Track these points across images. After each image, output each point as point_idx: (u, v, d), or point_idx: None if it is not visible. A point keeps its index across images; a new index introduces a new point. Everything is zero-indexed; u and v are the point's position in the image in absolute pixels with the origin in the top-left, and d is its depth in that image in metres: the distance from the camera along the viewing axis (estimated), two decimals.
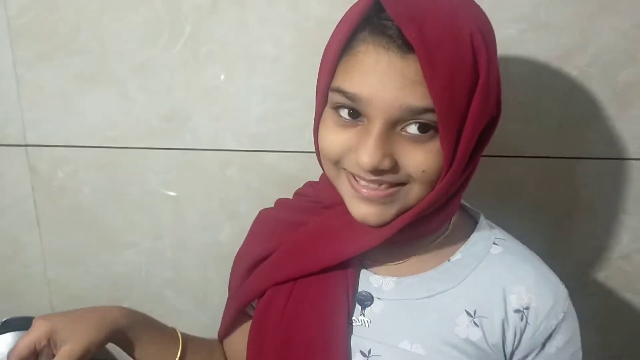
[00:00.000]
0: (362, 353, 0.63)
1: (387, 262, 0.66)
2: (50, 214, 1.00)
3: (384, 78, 0.52)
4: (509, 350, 0.62)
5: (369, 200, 0.58)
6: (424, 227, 0.62)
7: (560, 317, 0.61)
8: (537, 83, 0.84)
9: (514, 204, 0.90)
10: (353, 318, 0.64)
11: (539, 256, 0.66)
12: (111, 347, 0.66)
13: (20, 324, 0.95)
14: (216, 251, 0.98)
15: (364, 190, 0.57)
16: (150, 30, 0.87)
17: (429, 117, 0.53)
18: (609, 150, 0.87)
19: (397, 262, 0.66)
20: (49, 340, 0.61)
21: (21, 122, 0.94)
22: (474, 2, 0.58)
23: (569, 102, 0.85)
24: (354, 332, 0.64)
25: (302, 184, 0.76)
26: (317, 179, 0.74)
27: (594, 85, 0.84)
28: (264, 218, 0.76)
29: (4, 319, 0.98)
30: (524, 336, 0.61)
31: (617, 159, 0.87)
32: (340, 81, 0.56)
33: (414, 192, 0.58)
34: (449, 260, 0.65)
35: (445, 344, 0.61)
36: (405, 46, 0.52)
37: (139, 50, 0.88)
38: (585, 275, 0.94)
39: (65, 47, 0.89)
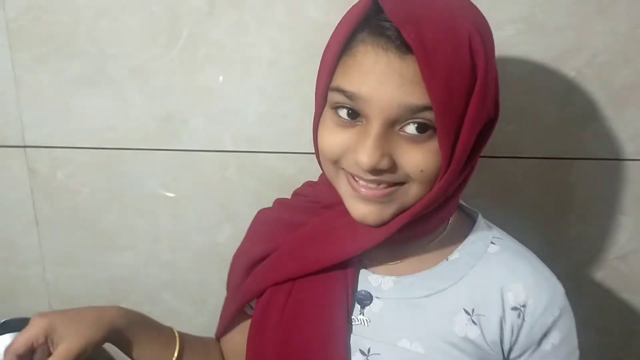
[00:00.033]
0: (362, 352, 0.63)
1: (386, 262, 0.66)
2: (48, 216, 1.00)
3: (382, 78, 0.53)
4: (507, 347, 0.63)
5: (367, 199, 0.58)
6: (422, 226, 0.62)
7: (557, 314, 0.62)
8: (534, 84, 0.84)
9: (511, 205, 0.90)
10: (352, 317, 0.65)
11: (536, 256, 0.67)
12: (108, 346, 0.66)
13: (18, 325, 0.95)
14: (214, 252, 0.98)
15: (363, 189, 0.58)
16: (148, 33, 0.87)
17: (427, 116, 0.54)
18: (605, 151, 0.87)
19: (396, 262, 0.66)
20: (46, 338, 0.60)
21: (20, 124, 0.94)
22: (472, 4, 0.59)
23: (565, 103, 0.85)
24: (353, 331, 0.64)
25: (301, 185, 0.76)
26: (315, 180, 0.74)
27: (590, 86, 0.84)
28: (262, 218, 0.77)
29: (3, 320, 0.98)
30: (521, 333, 0.62)
31: (614, 159, 0.87)
32: (339, 80, 0.56)
33: (412, 192, 0.58)
34: (447, 259, 0.65)
35: (444, 342, 0.61)
36: (404, 47, 0.52)
37: (137, 52, 0.88)
38: (582, 276, 0.94)
39: (64, 49, 0.89)
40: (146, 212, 0.98)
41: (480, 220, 0.68)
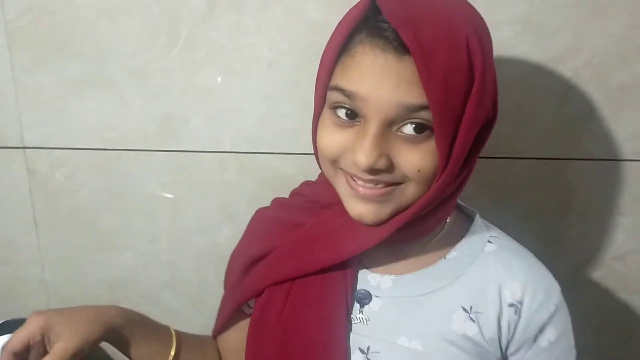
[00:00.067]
0: (361, 350, 0.63)
1: (384, 261, 0.67)
2: (48, 216, 1.00)
3: (380, 78, 0.53)
4: (504, 344, 0.63)
5: (365, 199, 0.59)
6: (420, 226, 0.63)
7: (552, 310, 0.62)
8: (531, 85, 0.84)
9: (509, 206, 0.90)
10: (352, 316, 0.65)
11: (533, 255, 0.67)
12: (105, 345, 0.66)
13: (17, 326, 0.93)
14: (213, 253, 0.98)
15: (361, 189, 0.58)
16: (147, 34, 0.88)
17: (425, 116, 0.54)
18: (603, 152, 0.87)
19: (395, 261, 0.66)
20: (42, 336, 0.60)
21: (19, 125, 0.94)
22: (471, 5, 0.59)
23: (563, 103, 0.85)
24: (352, 330, 0.65)
25: (299, 185, 0.77)
26: (314, 180, 0.74)
27: (587, 87, 0.84)
28: (260, 217, 0.77)
29: (2, 321, 0.99)
30: (517, 329, 0.63)
31: (612, 160, 0.88)
32: (338, 79, 0.57)
33: (409, 192, 0.58)
34: (445, 258, 0.66)
35: (443, 340, 0.62)
36: (402, 48, 0.52)
37: (137, 53, 0.89)
38: (580, 276, 0.94)
39: (63, 50, 0.90)
40: (146, 213, 0.98)
41: (478, 220, 0.69)
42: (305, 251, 0.67)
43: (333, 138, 0.58)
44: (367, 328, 0.64)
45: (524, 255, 0.67)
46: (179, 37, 0.87)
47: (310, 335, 0.64)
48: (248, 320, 0.72)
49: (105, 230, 1.00)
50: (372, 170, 0.56)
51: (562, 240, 0.93)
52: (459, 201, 0.70)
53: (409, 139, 0.56)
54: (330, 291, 0.65)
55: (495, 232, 0.68)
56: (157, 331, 0.71)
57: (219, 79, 0.89)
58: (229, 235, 0.97)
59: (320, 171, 0.70)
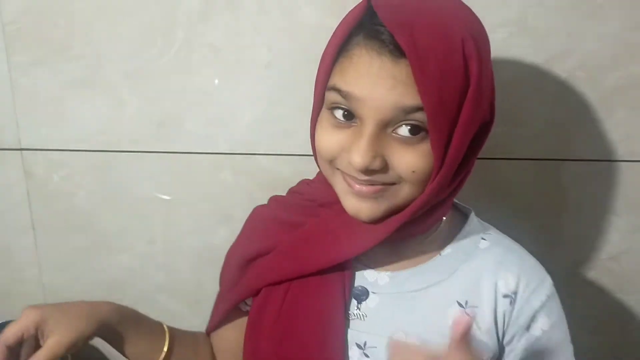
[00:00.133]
0: (358, 345, 0.64)
1: (381, 258, 0.67)
2: (45, 218, 1.00)
3: (376, 79, 0.54)
4: (500, 335, 0.64)
5: (361, 195, 0.59)
6: (418, 226, 0.64)
7: (544, 299, 0.64)
8: (525, 86, 0.85)
9: (503, 206, 0.91)
10: (349, 312, 0.66)
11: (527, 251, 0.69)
12: (100, 344, 0.66)
13: None
14: (210, 255, 0.98)
15: (357, 185, 0.59)
16: (143, 36, 0.88)
17: (420, 118, 0.55)
18: (597, 153, 0.88)
19: (391, 257, 0.67)
20: (36, 330, 0.61)
21: (16, 127, 0.94)
22: (468, 8, 0.60)
23: (557, 105, 0.86)
24: (350, 326, 0.65)
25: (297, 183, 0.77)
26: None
27: (581, 88, 0.85)
28: (258, 215, 0.77)
29: None
30: (511, 318, 0.64)
31: (605, 160, 0.88)
32: (335, 80, 0.58)
33: (404, 192, 0.59)
34: (440, 254, 0.67)
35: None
36: (397, 51, 0.53)
37: (133, 55, 0.89)
38: (574, 277, 0.95)
39: (60, 52, 0.90)
40: (142, 215, 0.98)
41: (473, 217, 0.70)
42: (304, 252, 0.67)
43: (330, 138, 0.59)
44: (364, 324, 0.65)
45: (516, 250, 0.68)
46: (175, 39, 0.87)
47: (308, 332, 0.65)
48: (242, 318, 0.73)
49: (102, 232, 1.00)
50: (367, 171, 0.57)
51: (557, 240, 0.93)
52: (454, 199, 0.71)
53: (404, 141, 0.56)
54: (328, 290, 0.66)
55: (490, 230, 0.70)
56: (150, 327, 0.72)
57: (215, 81, 0.89)
58: (224, 236, 0.97)
59: (317, 171, 0.70)
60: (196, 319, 1.03)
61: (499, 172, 0.90)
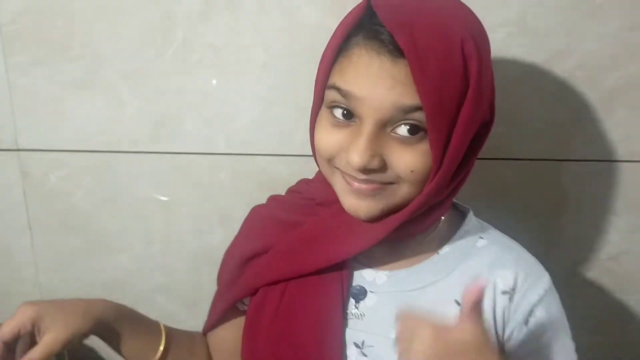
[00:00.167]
0: (356, 344, 0.65)
1: (379, 257, 0.67)
2: (42, 219, 1.00)
3: (375, 79, 0.54)
4: (500, 332, 0.64)
5: (359, 193, 0.59)
6: (417, 226, 0.64)
7: (541, 292, 0.64)
8: (525, 86, 0.85)
9: (503, 207, 0.90)
10: (347, 311, 0.66)
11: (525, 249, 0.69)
12: (97, 345, 0.66)
13: None
14: (208, 255, 0.98)
15: (356, 183, 0.59)
16: (142, 36, 0.88)
17: (419, 117, 0.55)
18: (596, 153, 0.88)
19: (389, 257, 0.67)
20: (33, 326, 0.61)
21: (13, 127, 0.94)
22: (468, 8, 0.60)
23: (556, 105, 0.86)
24: (348, 325, 0.65)
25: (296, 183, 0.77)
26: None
27: (581, 88, 0.85)
28: (256, 214, 0.77)
29: None
30: (510, 313, 0.63)
31: (605, 161, 0.88)
32: (335, 79, 0.58)
33: (401, 191, 0.59)
34: (437, 253, 0.67)
35: None
36: (397, 51, 0.53)
37: (132, 55, 0.89)
38: (574, 277, 0.95)
39: (58, 52, 0.90)
40: (140, 215, 0.98)
41: (471, 217, 0.70)
42: (302, 252, 0.67)
43: (329, 137, 0.60)
44: (362, 323, 0.65)
45: (514, 247, 0.68)
46: (174, 40, 0.87)
47: (306, 331, 0.65)
48: (239, 317, 0.73)
49: (100, 233, 1.00)
50: (366, 170, 0.57)
51: (557, 241, 0.93)
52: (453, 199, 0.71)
53: (403, 140, 0.56)
54: (326, 289, 0.66)
55: (488, 229, 0.70)
56: (146, 326, 0.72)
57: (214, 82, 0.89)
58: (223, 237, 0.96)
59: (316, 171, 0.71)
60: (194, 320, 1.02)
61: (498, 172, 0.90)
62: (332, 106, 0.59)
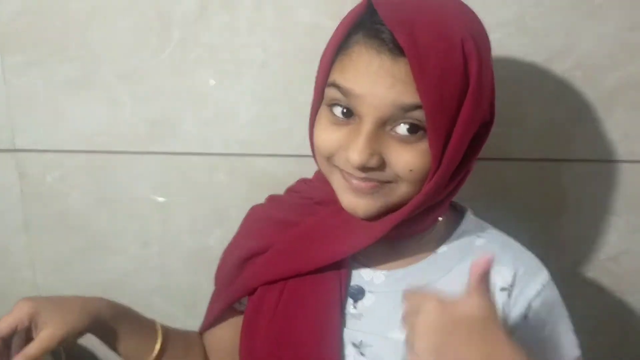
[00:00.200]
0: (354, 344, 0.64)
1: (377, 256, 0.67)
2: (39, 219, 0.99)
3: (375, 77, 0.55)
4: None
5: (358, 191, 0.59)
6: (416, 225, 0.63)
7: (539, 287, 0.64)
8: (524, 86, 0.85)
9: (502, 207, 0.90)
10: (345, 311, 0.66)
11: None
12: (93, 346, 0.65)
13: None
14: (205, 256, 0.98)
15: (354, 181, 0.59)
16: (139, 36, 0.87)
17: (418, 116, 0.55)
18: (596, 153, 0.88)
19: (387, 256, 0.67)
20: (30, 322, 0.61)
21: (10, 128, 0.94)
22: (469, 8, 0.60)
23: (555, 105, 0.86)
24: (346, 325, 0.65)
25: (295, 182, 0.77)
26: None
27: (580, 88, 0.84)
28: (255, 214, 0.77)
29: None
30: (509, 310, 0.63)
31: (604, 161, 0.88)
32: (335, 76, 0.58)
33: (400, 190, 0.59)
34: (435, 253, 0.67)
35: None
36: (397, 49, 0.53)
37: (128, 55, 0.88)
38: (574, 277, 0.95)
39: (55, 53, 0.89)
40: (137, 216, 0.98)
41: (469, 215, 0.70)
42: (300, 251, 0.67)
43: (329, 136, 0.60)
44: (360, 323, 0.65)
45: (512, 245, 0.68)
46: (170, 39, 0.87)
47: (304, 331, 0.65)
48: (236, 317, 0.73)
49: (97, 234, 0.99)
50: (364, 168, 0.57)
51: (556, 241, 0.93)
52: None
53: (402, 139, 0.56)
54: (324, 289, 0.66)
55: (487, 228, 0.70)
56: (143, 325, 0.72)
57: (211, 82, 0.89)
58: (220, 238, 0.96)
59: (313, 172, 0.71)
60: (191, 321, 1.02)
61: (498, 172, 0.90)
62: (332, 104, 0.59)
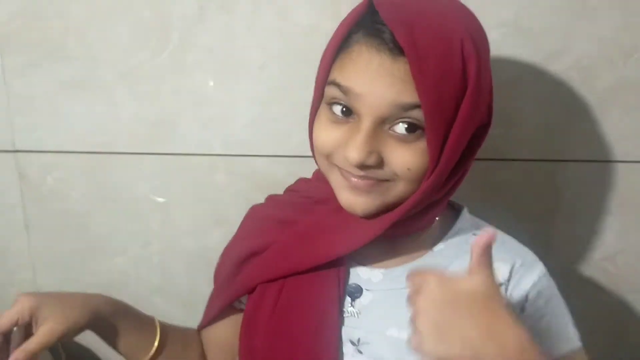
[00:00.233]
0: (352, 342, 0.65)
1: (375, 255, 0.68)
2: (39, 220, 1.00)
3: (375, 76, 0.55)
4: None
5: (357, 189, 0.60)
6: (413, 224, 0.64)
7: (535, 279, 0.65)
8: (520, 87, 0.85)
9: (497, 207, 0.90)
10: (343, 309, 0.66)
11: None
12: (92, 345, 0.66)
13: None
14: (205, 257, 0.98)
15: (353, 179, 0.60)
16: (138, 37, 0.88)
17: (417, 115, 0.55)
18: (591, 153, 0.88)
19: (385, 254, 0.68)
20: (30, 317, 0.61)
21: (10, 128, 0.94)
22: (468, 10, 0.60)
23: (551, 105, 0.86)
24: (344, 323, 0.66)
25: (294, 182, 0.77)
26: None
27: (576, 88, 0.85)
28: (254, 214, 0.78)
29: None
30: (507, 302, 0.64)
31: (600, 161, 0.88)
32: (335, 75, 0.59)
33: (397, 189, 0.60)
34: (432, 251, 0.67)
35: None
36: (397, 49, 0.54)
37: (128, 57, 0.89)
38: (570, 277, 0.95)
39: (54, 54, 0.90)
40: (136, 216, 0.98)
41: (465, 213, 0.71)
42: (299, 249, 0.68)
43: (328, 134, 0.60)
44: (357, 321, 0.66)
45: (508, 241, 0.69)
46: (169, 41, 0.87)
47: (302, 329, 0.65)
48: (235, 315, 0.74)
49: (97, 234, 1.00)
50: (363, 166, 0.57)
51: (552, 241, 0.93)
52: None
53: (400, 138, 0.57)
54: (323, 287, 0.66)
55: (483, 226, 0.70)
56: (142, 322, 0.72)
57: (210, 83, 0.89)
58: (220, 238, 0.96)
59: (313, 172, 0.71)
60: (191, 321, 1.02)
61: (493, 173, 0.90)
62: (332, 103, 0.59)
